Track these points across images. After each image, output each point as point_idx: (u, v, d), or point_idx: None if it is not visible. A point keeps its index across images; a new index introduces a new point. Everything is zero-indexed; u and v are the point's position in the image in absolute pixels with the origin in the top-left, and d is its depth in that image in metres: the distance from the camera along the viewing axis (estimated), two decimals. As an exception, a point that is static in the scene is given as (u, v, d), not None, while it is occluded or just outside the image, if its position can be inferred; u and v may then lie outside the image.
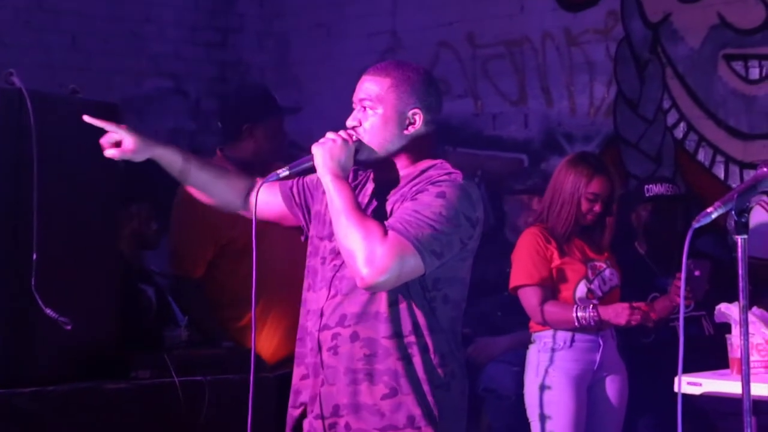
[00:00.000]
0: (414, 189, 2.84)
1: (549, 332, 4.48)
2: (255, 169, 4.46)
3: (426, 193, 2.80)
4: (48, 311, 3.51)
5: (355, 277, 2.75)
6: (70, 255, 3.75)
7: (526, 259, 4.51)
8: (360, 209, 2.80)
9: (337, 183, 2.82)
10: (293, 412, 2.99)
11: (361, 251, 2.70)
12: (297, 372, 3.01)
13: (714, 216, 2.35)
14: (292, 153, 6.41)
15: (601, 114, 5.89)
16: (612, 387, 4.54)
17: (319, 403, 2.89)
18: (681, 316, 2.21)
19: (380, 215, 2.84)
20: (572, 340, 4.45)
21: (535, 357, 4.49)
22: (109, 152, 3.05)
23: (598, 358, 4.49)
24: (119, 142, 3.04)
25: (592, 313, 4.39)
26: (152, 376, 3.89)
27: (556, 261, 4.50)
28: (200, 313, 4.38)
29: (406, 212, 2.77)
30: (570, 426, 4.40)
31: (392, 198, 2.89)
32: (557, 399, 4.42)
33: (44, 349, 3.66)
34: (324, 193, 2.98)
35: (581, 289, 4.49)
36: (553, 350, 4.46)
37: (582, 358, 4.47)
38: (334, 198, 2.80)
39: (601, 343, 4.49)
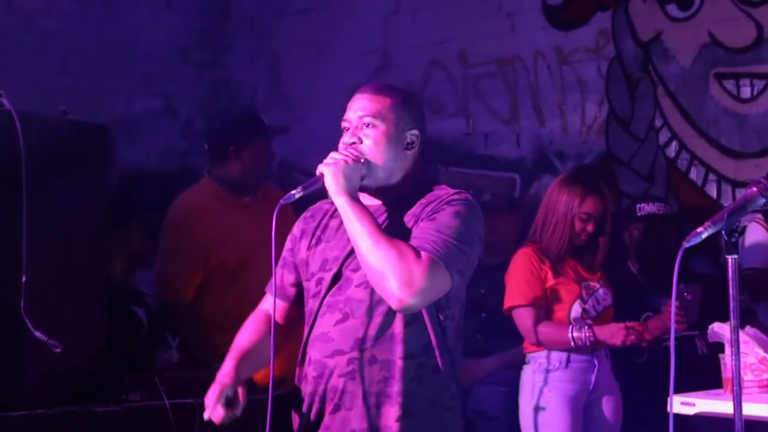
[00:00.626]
0: (428, 209, 2.84)
1: (543, 353, 4.48)
2: (243, 189, 4.48)
3: (443, 213, 2.81)
4: (37, 334, 3.51)
5: (388, 300, 2.74)
6: (59, 277, 3.75)
7: (520, 280, 4.52)
8: (383, 231, 2.78)
9: (354, 205, 2.80)
10: None
11: (395, 273, 2.69)
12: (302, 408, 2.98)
13: (704, 236, 2.35)
14: (282, 173, 6.46)
15: (593, 133, 5.90)
16: (607, 407, 4.55)
17: (332, 429, 2.87)
18: (672, 336, 2.22)
19: (403, 237, 2.81)
20: (568, 361, 4.46)
21: (530, 378, 4.49)
22: (236, 414, 2.91)
23: (593, 378, 4.49)
24: (228, 398, 2.91)
25: (587, 333, 4.39)
26: (143, 399, 3.88)
27: (551, 281, 4.51)
28: (190, 336, 4.37)
29: (428, 232, 2.78)
30: None
31: (404, 219, 2.88)
32: (552, 420, 4.42)
33: (33, 372, 3.66)
34: (301, 239, 3.00)
35: (576, 310, 4.50)
36: (548, 371, 4.47)
37: (577, 378, 4.48)
38: (353, 221, 2.78)
39: (596, 363, 4.50)
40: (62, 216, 3.79)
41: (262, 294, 3.12)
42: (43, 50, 6.34)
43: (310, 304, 2.96)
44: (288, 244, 3.08)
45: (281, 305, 3.07)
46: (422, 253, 2.72)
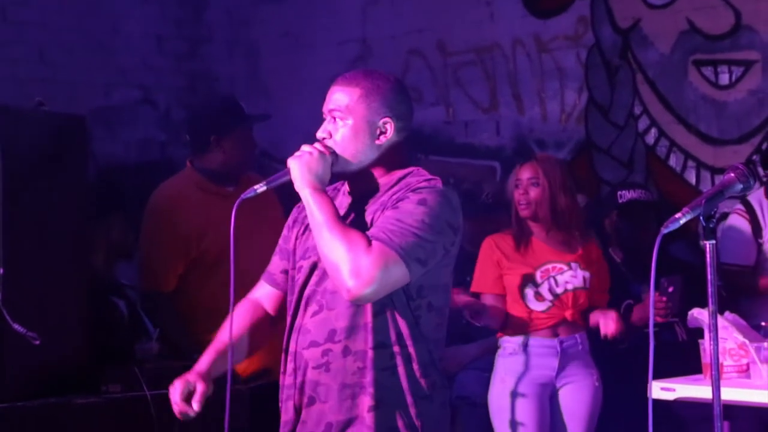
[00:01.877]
0: (394, 197, 2.83)
1: (505, 337, 4.52)
2: (225, 178, 4.47)
3: (407, 200, 2.79)
4: (16, 326, 3.50)
5: (340, 290, 2.74)
6: (38, 269, 3.74)
7: (479, 267, 4.60)
8: (342, 221, 2.78)
9: (316, 196, 2.80)
10: None
11: (345, 263, 2.68)
12: (282, 405, 2.97)
13: (682, 222, 2.37)
14: (263, 162, 6.46)
15: (573, 120, 5.92)
16: (579, 394, 4.53)
17: (308, 423, 2.86)
18: (651, 323, 2.23)
19: (360, 226, 2.81)
20: (525, 345, 4.48)
21: (495, 362, 4.54)
22: (194, 408, 2.90)
23: (556, 363, 4.49)
24: (191, 393, 2.90)
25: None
26: (123, 390, 3.87)
27: (503, 267, 4.54)
28: (171, 326, 4.37)
29: (389, 221, 2.76)
30: (530, 429, 4.41)
31: (371, 208, 2.87)
32: (510, 404, 4.43)
33: (13, 365, 3.65)
34: (293, 227, 3.00)
35: (528, 293, 4.51)
36: (511, 355, 4.49)
37: (538, 363, 4.48)
38: (315, 211, 2.78)
39: (559, 348, 4.50)
40: (40, 208, 3.78)
41: (244, 284, 3.11)
42: (19, 42, 6.31)
43: (291, 294, 2.96)
44: (284, 231, 3.08)
45: (272, 293, 3.07)
46: (374, 242, 2.71)
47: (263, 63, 7.01)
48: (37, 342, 3.50)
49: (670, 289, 4.49)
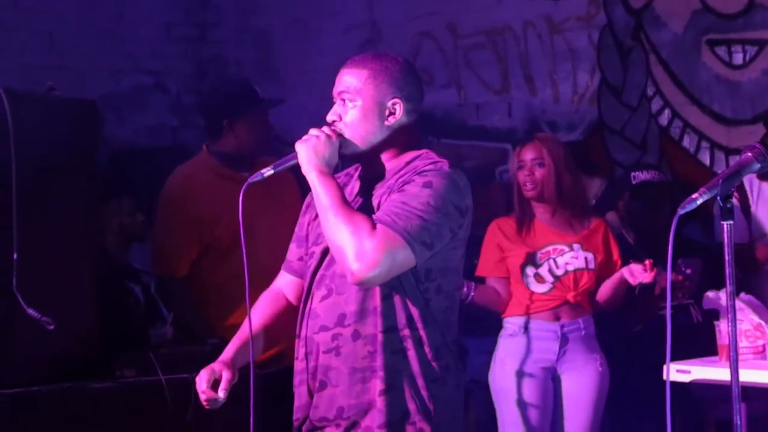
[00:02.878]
0: (400, 180, 2.82)
1: (508, 318, 4.53)
2: (240, 163, 4.45)
3: (413, 183, 2.78)
4: (30, 311, 3.51)
5: (346, 274, 2.73)
6: (51, 254, 3.74)
7: (483, 251, 4.61)
8: (347, 204, 2.77)
9: (322, 179, 2.80)
10: (301, 426, 2.95)
11: (350, 247, 2.68)
12: (295, 390, 2.97)
13: (699, 202, 2.35)
14: (276, 147, 6.46)
15: (585, 102, 5.91)
16: (581, 379, 4.51)
17: (320, 407, 2.87)
18: (668, 305, 2.22)
19: (367, 210, 2.82)
20: (526, 328, 4.48)
21: (497, 343, 4.57)
22: (220, 396, 2.88)
23: (557, 347, 4.48)
24: (217, 381, 2.91)
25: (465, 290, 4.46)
26: (138, 375, 3.88)
27: (505, 250, 4.55)
28: (185, 312, 4.37)
29: (394, 204, 2.76)
30: (529, 412, 4.41)
31: (378, 191, 2.87)
32: (515, 385, 4.44)
33: (27, 350, 3.66)
34: (306, 212, 3.00)
35: (528, 274, 4.51)
36: (511, 336, 4.50)
37: (539, 346, 4.47)
38: (321, 195, 2.78)
39: (559, 333, 4.49)
40: (53, 193, 3.77)
41: (259, 269, 3.11)
42: (28, 28, 6.31)
43: (306, 280, 2.97)
44: (300, 218, 3.08)
45: (292, 281, 3.07)
46: (378, 225, 2.70)
47: (272, 48, 7.00)
48: (52, 327, 3.51)
49: (688, 271, 4.49)
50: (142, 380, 3.86)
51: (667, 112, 5.66)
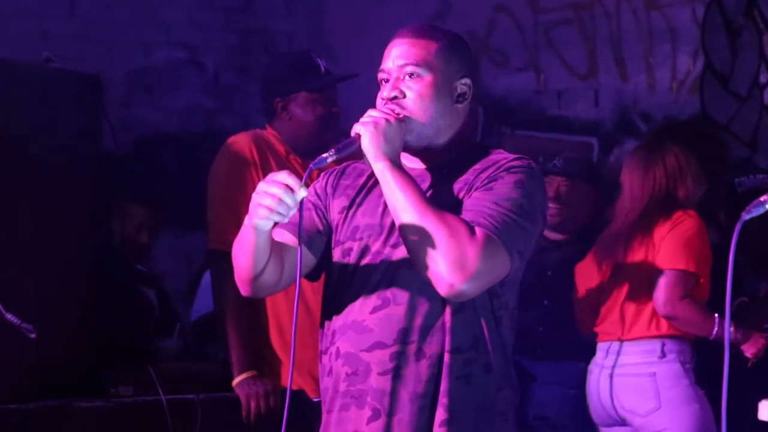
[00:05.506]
0: (483, 176, 2.78)
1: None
2: (302, 151, 4.37)
3: (502, 181, 2.75)
4: (9, 316, 3.50)
5: (436, 284, 2.67)
6: (38, 254, 3.76)
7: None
8: (431, 203, 2.71)
9: (395, 172, 2.74)
10: None
11: (446, 253, 2.63)
12: (329, 415, 2.87)
13: (768, 206, 2.28)
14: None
15: (686, 90, 5.85)
16: None
17: None
18: (726, 326, 2.10)
19: (445, 209, 2.74)
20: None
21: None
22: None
23: None
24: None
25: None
26: (135, 393, 3.90)
27: None
28: (223, 294, 4.24)
29: (484, 204, 2.71)
30: None
31: (456, 187, 2.82)
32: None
33: (4, 361, 3.67)
34: (334, 196, 2.91)
35: None
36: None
37: None
38: (395, 191, 2.71)
39: None
40: (44, 183, 3.80)
41: None
42: (45, -8, 6.40)
43: (335, 279, 2.89)
44: (318, 188, 2.97)
45: (291, 244, 2.88)
46: (477, 229, 2.66)
47: (327, 20, 7.02)
48: (33, 335, 3.51)
49: None
50: (139, 400, 3.88)
51: (782, 103, 5.61)
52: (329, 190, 2.97)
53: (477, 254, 2.63)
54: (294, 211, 2.63)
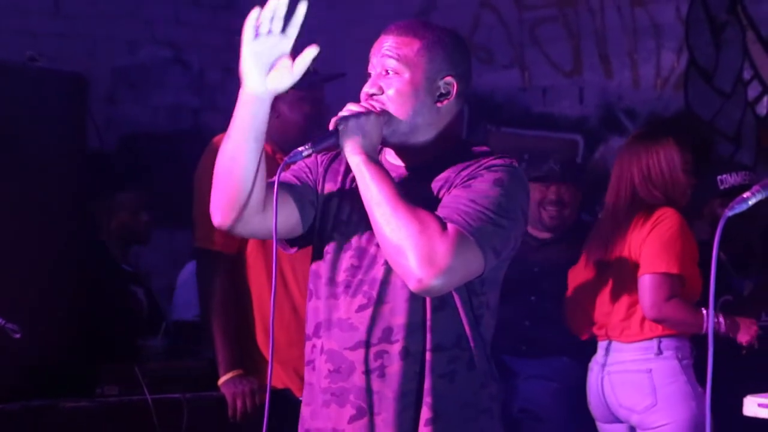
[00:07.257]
0: (463, 174, 2.77)
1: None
2: (287, 147, 4.36)
3: (481, 179, 2.74)
4: (-8, 316, 3.51)
5: (406, 279, 2.67)
6: (24, 253, 3.75)
7: None
8: (406, 198, 2.70)
9: (371, 166, 2.73)
10: None
11: (416, 248, 2.61)
12: (307, 408, 2.87)
13: (751, 202, 2.28)
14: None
15: (670, 86, 5.86)
16: None
17: None
18: (710, 327, 2.09)
19: (423, 205, 2.72)
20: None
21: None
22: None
23: None
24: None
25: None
26: (121, 393, 3.89)
27: None
28: (209, 290, 4.24)
29: (461, 201, 2.70)
30: None
31: (436, 185, 2.81)
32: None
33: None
34: (326, 179, 2.90)
35: None
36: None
37: None
38: (370, 185, 2.71)
39: None
40: (28, 181, 3.78)
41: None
42: (29, -11, 6.38)
43: (322, 269, 2.86)
44: (309, 165, 2.94)
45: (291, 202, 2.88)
46: (449, 225, 2.65)
47: (312, 18, 6.96)
48: (18, 335, 3.51)
49: None
50: (124, 399, 3.87)
51: (766, 99, 5.61)
52: (321, 170, 2.95)
53: (447, 250, 2.61)
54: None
